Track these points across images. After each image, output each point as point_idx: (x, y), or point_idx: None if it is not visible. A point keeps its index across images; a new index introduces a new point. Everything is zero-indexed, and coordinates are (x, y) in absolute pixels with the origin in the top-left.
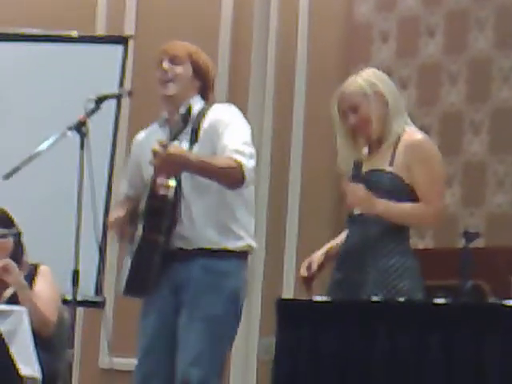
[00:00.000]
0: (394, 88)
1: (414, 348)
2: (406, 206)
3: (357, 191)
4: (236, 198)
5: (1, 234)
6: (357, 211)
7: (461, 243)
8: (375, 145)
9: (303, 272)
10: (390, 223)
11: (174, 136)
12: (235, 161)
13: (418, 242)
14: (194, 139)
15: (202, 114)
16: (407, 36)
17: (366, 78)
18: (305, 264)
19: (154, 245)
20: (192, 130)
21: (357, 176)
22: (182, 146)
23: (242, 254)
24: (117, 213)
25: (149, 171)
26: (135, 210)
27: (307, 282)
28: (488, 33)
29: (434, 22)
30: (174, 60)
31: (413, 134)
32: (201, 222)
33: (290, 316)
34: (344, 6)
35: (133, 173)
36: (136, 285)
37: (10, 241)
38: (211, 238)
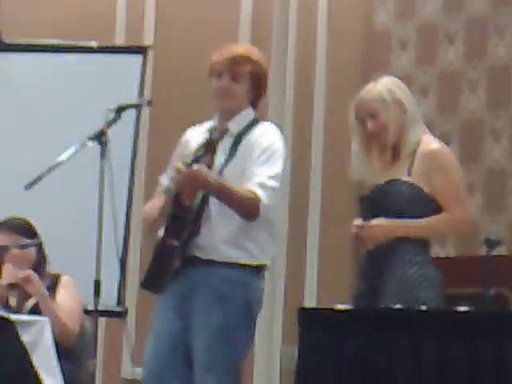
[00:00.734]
0: (411, 97)
1: (438, 356)
2: (428, 222)
3: (372, 229)
4: (261, 217)
5: (23, 244)
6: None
7: (483, 251)
8: (391, 154)
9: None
10: None
11: (200, 154)
12: (255, 194)
13: (439, 251)
14: (232, 154)
15: (245, 131)
16: (426, 43)
17: (385, 85)
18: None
19: (171, 249)
20: (232, 145)
21: (365, 206)
22: (218, 158)
23: (255, 267)
24: (154, 203)
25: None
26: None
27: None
28: (508, 39)
29: (454, 30)
30: (235, 77)
31: (430, 142)
32: (219, 238)
33: (312, 325)
34: (363, 14)
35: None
36: (152, 282)
37: (33, 251)
38: (226, 253)
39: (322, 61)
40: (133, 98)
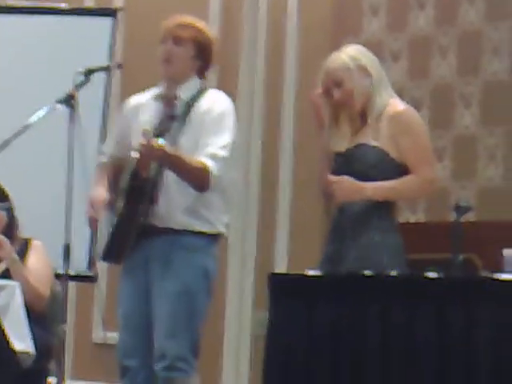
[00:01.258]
0: (377, 62)
1: (406, 320)
2: (396, 183)
3: (342, 183)
4: (212, 188)
5: None
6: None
7: (452, 217)
8: (360, 120)
9: None
10: (373, 200)
11: (164, 129)
12: (206, 166)
13: (409, 216)
14: (184, 123)
15: (194, 99)
16: (398, 9)
17: (348, 53)
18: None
19: (133, 220)
20: (182, 116)
21: (338, 167)
22: (171, 131)
23: (211, 235)
24: (98, 193)
25: (136, 142)
26: (116, 175)
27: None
28: (478, 4)
29: None
30: (177, 41)
31: (396, 105)
32: (176, 206)
33: (283, 290)
34: None
35: (122, 134)
36: (112, 253)
37: (4, 215)
38: (183, 222)
39: (292, 26)
40: (103, 61)
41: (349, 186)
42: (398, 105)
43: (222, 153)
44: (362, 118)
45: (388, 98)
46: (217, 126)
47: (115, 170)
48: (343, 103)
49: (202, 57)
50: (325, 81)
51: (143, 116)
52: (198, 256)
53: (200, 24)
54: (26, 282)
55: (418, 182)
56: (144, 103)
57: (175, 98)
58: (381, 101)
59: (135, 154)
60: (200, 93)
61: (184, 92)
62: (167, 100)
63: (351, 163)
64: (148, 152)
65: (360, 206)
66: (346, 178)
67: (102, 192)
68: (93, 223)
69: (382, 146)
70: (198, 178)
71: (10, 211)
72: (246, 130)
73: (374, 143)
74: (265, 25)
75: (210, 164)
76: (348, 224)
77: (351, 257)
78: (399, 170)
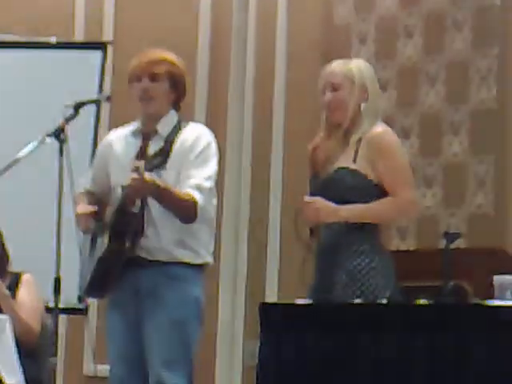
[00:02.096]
0: (379, 91)
1: (398, 349)
2: (373, 204)
3: (315, 204)
4: (198, 220)
5: None
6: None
7: (442, 244)
8: (340, 136)
9: None
10: (352, 224)
11: (151, 164)
12: (193, 198)
13: (399, 243)
14: (164, 161)
15: (174, 133)
16: (385, 38)
17: (358, 66)
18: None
19: (119, 255)
20: (163, 152)
21: (314, 191)
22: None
23: (199, 265)
24: (84, 206)
25: (117, 178)
26: (97, 205)
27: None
28: (465, 33)
29: (412, 23)
30: (153, 77)
31: (375, 127)
32: (164, 239)
33: (274, 320)
34: (323, 8)
35: (98, 171)
36: (96, 288)
37: None
38: (172, 253)
39: (281, 54)
40: (93, 94)
41: (322, 208)
42: (376, 127)
43: (207, 184)
44: (342, 135)
45: (374, 126)
46: (199, 159)
47: (94, 200)
48: (331, 108)
49: (176, 89)
50: (324, 80)
51: (119, 150)
52: (188, 286)
53: (172, 56)
54: (17, 318)
55: (397, 203)
56: (121, 139)
57: (155, 133)
58: (368, 126)
59: (121, 189)
60: (179, 127)
61: (163, 127)
62: (146, 135)
63: (328, 187)
64: (140, 186)
65: (339, 232)
66: (319, 199)
67: (85, 206)
68: (81, 222)
69: (360, 169)
70: (185, 210)
71: (1, 246)
72: (236, 165)
73: (352, 166)
74: (253, 55)
75: (196, 195)
76: (331, 250)
77: (339, 284)
78: (378, 192)
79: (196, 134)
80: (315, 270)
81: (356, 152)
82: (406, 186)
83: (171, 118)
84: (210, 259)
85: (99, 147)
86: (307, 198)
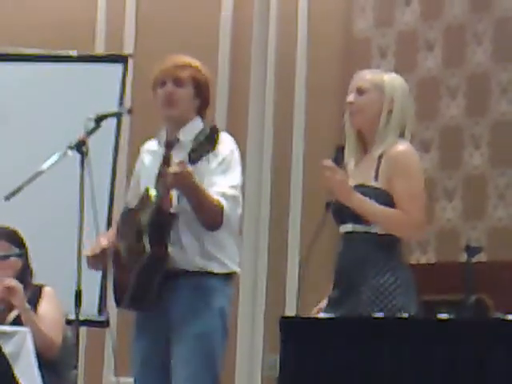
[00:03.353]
0: (410, 108)
1: (418, 364)
2: (383, 208)
3: (335, 173)
4: (222, 229)
5: (6, 255)
6: (344, 229)
7: (463, 258)
8: (361, 146)
9: None
10: (378, 240)
11: (196, 155)
12: (219, 203)
13: (420, 257)
14: (210, 149)
15: (200, 142)
16: (406, 51)
17: (393, 81)
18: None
19: (162, 261)
20: (208, 140)
21: (337, 160)
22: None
23: (227, 275)
24: (92, 248)
25: (143, 185)
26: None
27: None
28: (486, 45)
29: (433, 37)
30: (177, 82)
31: (397, 145)
32: (189, 250)
33: (294, 334)
34: (343, 21)
35: (135, 183)
36: (139, 300)
37: (19, 261)
38: (198, 264)
39: (301, 67)
40: (113, 107)
41: (340, 182)
42: (398, 145)
43: (231, 192)
44: (363, 147)
45: (397, 142)
46: (224, 166)
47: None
48: (352, 111)
49: (200, 96)
50: (353, 83)
51: (147, 161)
52: (216, 297)
53: (197, 63)
54: (38, 331)
55: (407, 219)
56: (149, 149)
57: (177, 141)
58: (390, 140)
59: (156, 191)
60: (204, 135)
61: (186, 134)
62: (169, 143)
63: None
64: (182, 175)
65: (363, 251)
66: (341, 171)
67: (94, 246)
68: (89, 263)
69: (383, 187)
70: (213, 214)
71: (25, 258)
72: (256, 172)
73: (374, 183)
74: (273, 67)
75: (222, 201)
76: (356, 265)
77: (364, 301)
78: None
79: (219, 142)
80: (335, 281)
81: (377, 168)
82: (420, 210)
83: (195, 125)
84: (236, 268)
85: (137, 161)
86: (329, 164)
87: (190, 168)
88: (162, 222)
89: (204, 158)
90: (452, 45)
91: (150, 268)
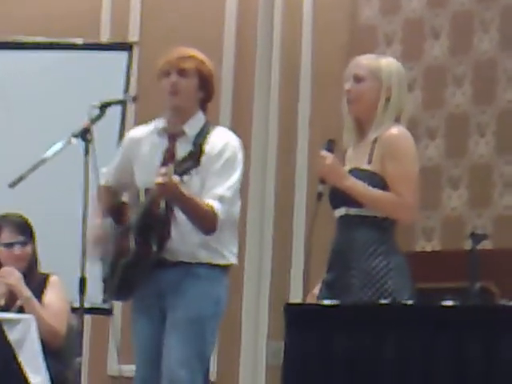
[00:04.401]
0: (405, 93)
1: (423, 350)
2: (376, 191)
3: (326, 159)
4: (222, 225)
5: (14, 242)
6: (339, 213)
7: (468, 245)
8: (358, 132)
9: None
10: (371, 224)
11: (181, 168)
12: (213, 211)
13: (425, 244)
14: (194, 166)
15: (202, 136)
16: (412, 39)
17: (390, 65)
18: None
19: (146, 259)
20: (193, 157)
21: (329, 150)
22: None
23: (224, 266)
24: (97, 228)
25: (142, 179)
26: (113, 204)
27: None
28: (493, 34)
29: (439, 24)
30: (182, 73)
31: (391, 129)
32: (190, 241)
33: (299, 320)
34: (349, 9)
35: (121, 166)
36: (124, 292)
37: (29, 250)
38: (198, 255)
39: (307, 55)
40: (118, 95)
41: (331, 165)
42: (393, 129)
43: (228, 193)
44: (360, 131)
45: (392, 127)
46: (225, 168)
47: (110, 200)
48: (349, 99)
49: (204, 88)
50: (349, 70)
51: (145, 150)
52: (211, 284)
53: (201, 55)
54: (42, 320)
55: (399, 202)
56: (146, 136)
57: (182, 133)
58: (388, 125)
59: (145, 192)
60: (207, 130)
61: (190, 128)
62: (172, 136)
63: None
64: (166, 187)
65: (357, 234)
66: (332, 156)
67: (96, 226)
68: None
69: (376, 170)
70: (205, 221)
71: (32, 246)
72: (261, 167)
73: (367, 167)
74: (278, 56)
75: (216, 207)
76: (348, 248)
77: (356, 285)
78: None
79: (224, 142)
80: (329, 265)
81: (372, 151)
82: (412, 193)
83: (198, 119)
84: (234, 260)
85: (126, 141)
86: (323, 153)
87: (175, 179)
88: (148, 224)
89: (191, 172)
90: (458, 33)
91: (133, 266)
